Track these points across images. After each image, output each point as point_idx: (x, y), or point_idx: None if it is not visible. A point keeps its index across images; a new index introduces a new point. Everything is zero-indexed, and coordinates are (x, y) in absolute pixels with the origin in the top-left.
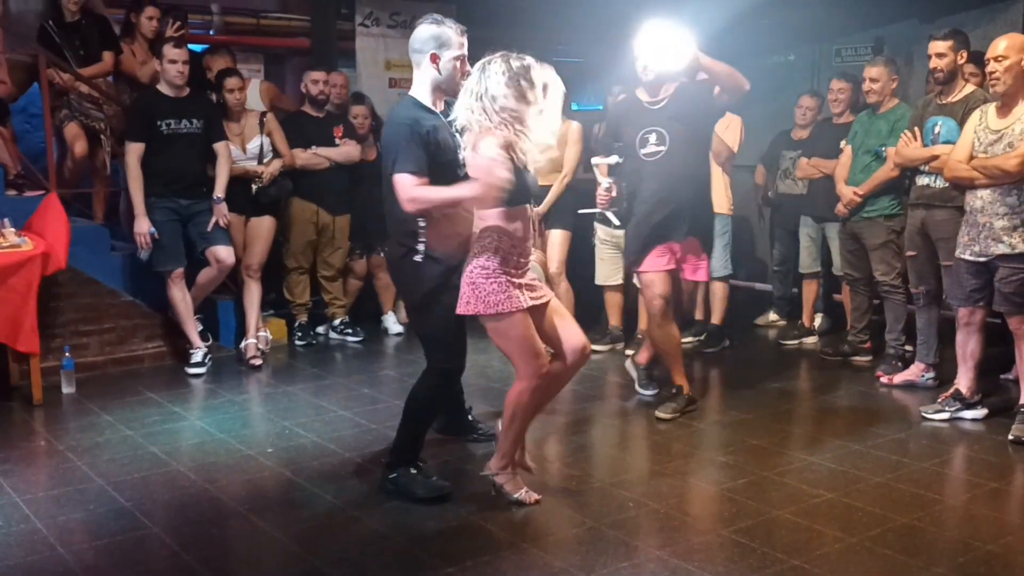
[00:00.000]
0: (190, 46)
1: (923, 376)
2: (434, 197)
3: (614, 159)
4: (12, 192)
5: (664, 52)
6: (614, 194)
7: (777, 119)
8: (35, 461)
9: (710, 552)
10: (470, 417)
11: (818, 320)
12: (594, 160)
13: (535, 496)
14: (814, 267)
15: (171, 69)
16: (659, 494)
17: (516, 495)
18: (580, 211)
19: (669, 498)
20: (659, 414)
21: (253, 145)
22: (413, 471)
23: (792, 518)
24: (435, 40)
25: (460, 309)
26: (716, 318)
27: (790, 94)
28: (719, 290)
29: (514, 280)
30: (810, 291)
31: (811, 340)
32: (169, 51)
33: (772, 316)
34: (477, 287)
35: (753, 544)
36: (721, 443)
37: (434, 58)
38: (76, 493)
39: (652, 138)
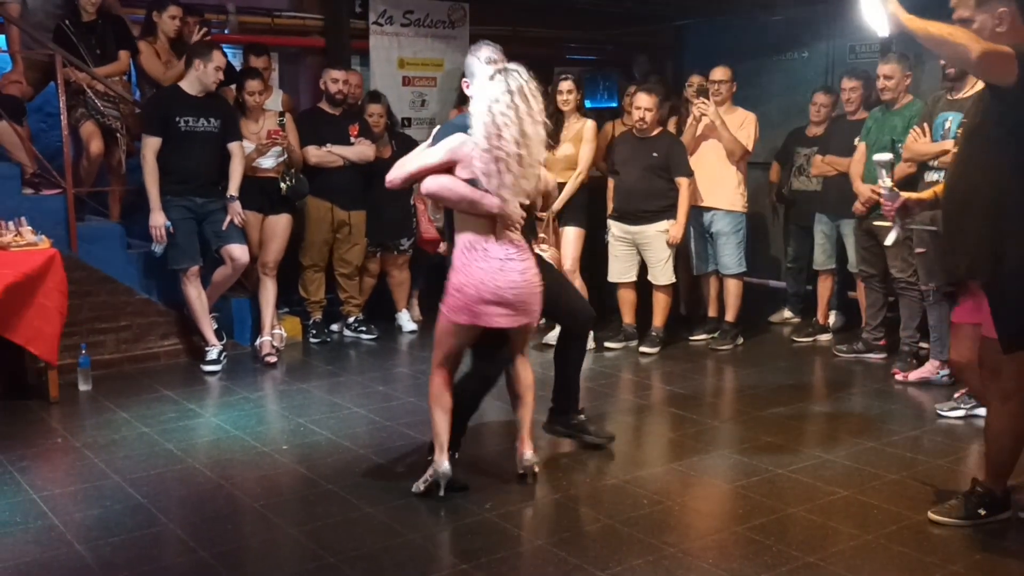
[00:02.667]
0: None
1: (938, 373)
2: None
3: (891, 156)
4: (29, 191)
5: (870, 11)
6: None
7: (791, 116)
8: (52, 458)
9: (724, 549)
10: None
11: (832, 317)
12: (876, 157)
13: None
14: (828, 264)
15: (215, 74)
16: (673, 491)
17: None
18: (875, 224)
19: (683, 495)
20: None
21: (275, 149)
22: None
23: (807, 515)
24: (466, 69)
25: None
26: (730, 315)
27: (804, 91)
28: (733, 287)
29: None
30: (825, 288)
31: (825, 337)
32: (219, 57)
33: (786, 313)
34: None
35: (768, 541)
36: (735, 440)
37: (466, 85)
38: (93, 490)
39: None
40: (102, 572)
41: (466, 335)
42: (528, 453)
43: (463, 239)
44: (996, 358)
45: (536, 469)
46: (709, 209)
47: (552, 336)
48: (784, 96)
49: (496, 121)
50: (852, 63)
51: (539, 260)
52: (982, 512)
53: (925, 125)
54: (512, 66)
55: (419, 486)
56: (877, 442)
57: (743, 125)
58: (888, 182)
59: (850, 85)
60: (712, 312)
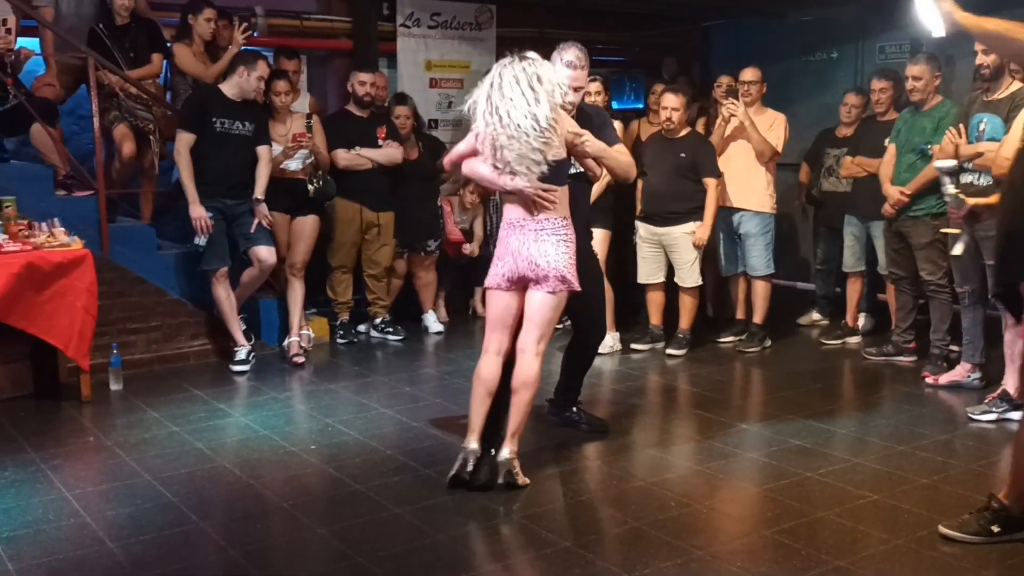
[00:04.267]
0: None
1: (969, 376)
2: None
3: (954, 162)
4: (62, 192)
5: (925, 11)
6: (964, 211)
7: (821, 117)
8: (84, 457)
9: (753, 553)
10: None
11: (862, 320)
12: (939, 164)
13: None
14: (858, 266)
15: (257, 83)
16: (701, 494)
17: (521, 479)
18: (942, 230)
19: (711, 498)
20: None
21: (301, 152)
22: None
23: (836, 519)
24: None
25: (563, 288)
26: (758, 317)
27: (833, 92)
28: (761, 289)
29: None
30: (854, 290)
31: (854, 340)
32: (263, 68)
33: (815, 315)
34: (567, 274)
35: (797, 545)
36: (763, 443)
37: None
38: (124, 488)
39: None
40: (133, 570)
41: (503, 306)
42: (505, 451)
43: (504, 217)
44: None
45: (512, 469)
46: (738, 210)
47: None
48: (813, 97)
49: (477, 107)
50: (882, 63)
51: (590, 255)
52: (995, 529)
53: (961, 126)
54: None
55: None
56: (907, 446)
57: (773, 126)
58: (952, 189)
59: (880, 86)
60: (739, 314)
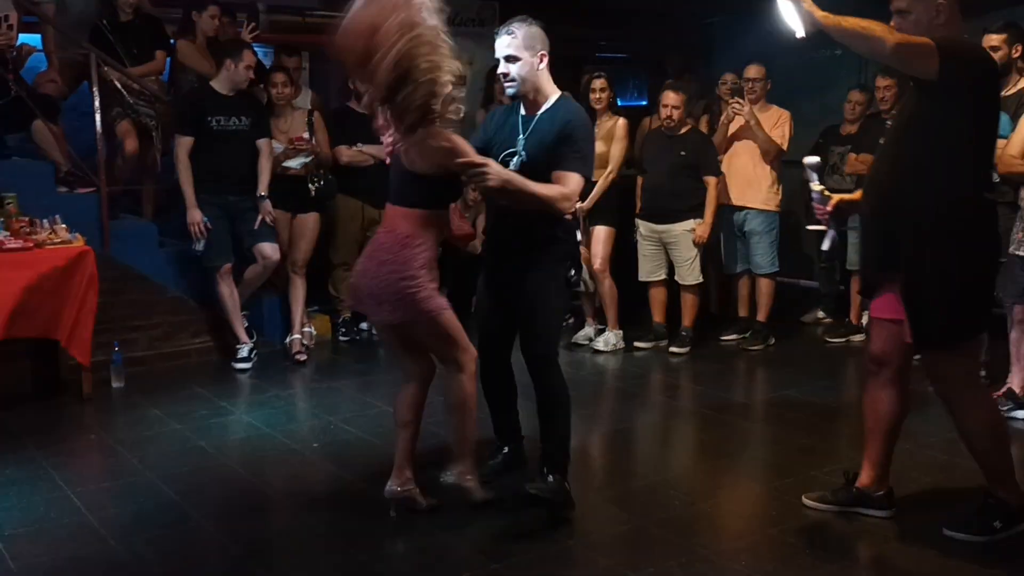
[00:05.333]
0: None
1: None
2: None
3: (818, 159)
4: (63, 189)
5: (787, 11)
6: (830, 207)
7: (824, 114)
8: (86, 455)
9: (758, 552)
10: None
11: (866, 317)
12: (805, 160)
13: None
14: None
15: (244, 73)
16: (705, 492)
17: (478, 496)
18: (808, 228)
19: (715, 497)
20: None
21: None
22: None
23: (842, 518)
24: (537, 41)
25: (382, 318)
26: (762, 315)
27: (837, 89)
28: (765, 287)
29: (435, 282)
30: (857, 288)
31: (859, 337)
32: (249, 56)
33: (819, 313)
34: (405, 300)
35: (802, 544)
36: (768, 441)
37: (542, 57)
38: (126, 486)
39: None
40: (136, 568)
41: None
42: (449, 471)
43: None
44: (934, 362)
45: (464, 484)
46: (742, 208)
47: (582, 335)
48: (817, 94)
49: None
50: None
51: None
52: (997, 525)
53: None
54: None
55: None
56: (912, 444)
57: (778, 124)
58: (818, 185)
59: (884, 83)
60: (743, 312)
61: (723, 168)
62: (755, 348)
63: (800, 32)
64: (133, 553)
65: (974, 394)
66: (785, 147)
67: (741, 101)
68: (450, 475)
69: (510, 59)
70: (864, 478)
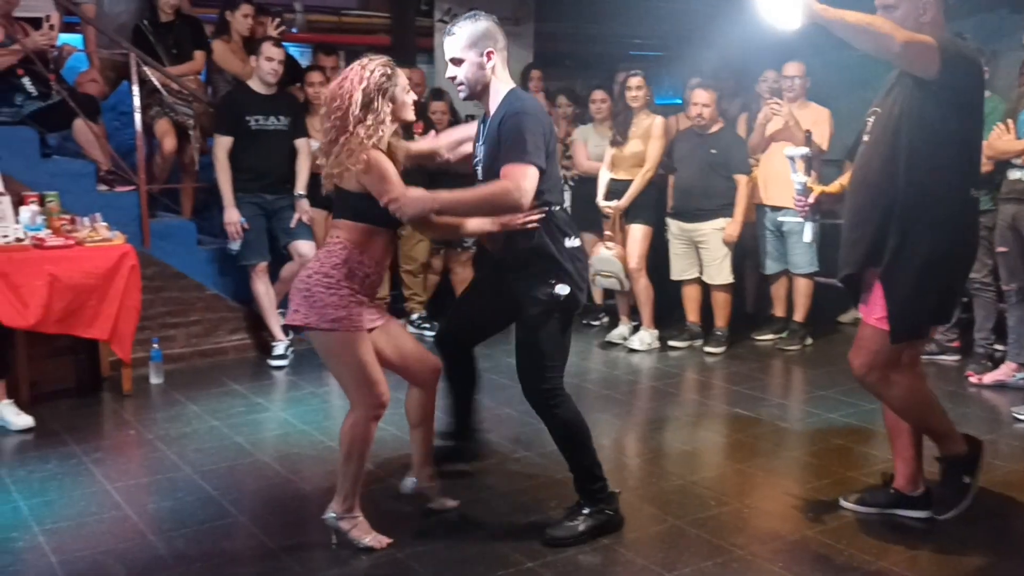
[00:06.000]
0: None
1: (1015, 376)
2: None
3: (805, 150)
4: (103, 188)
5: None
6: (812, 199)
7: (862, 112)
8: (126, 450)
9: (795, 553)
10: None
11: None
12: (788, 151)
13: (385, 540)
14: None
15: (266, 66)
16: (741, 493)
17: (364, 541)
18: (780, 219)
19: (751, 497)
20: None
21: None
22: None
23: (880, 520)
24: (487, 39)
25: (290, 319)
26: (799, 315)
27: (875, 86)
28: (803, 287)
29: (357, 297)
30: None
31: None
32: (268, 48)
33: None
34: (313, 297)
35: (839, 545)
36: (804, 442)
37: (489, 55)
38: (165, 482)
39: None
40: (175, 563)
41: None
42: (408, 478)
43: None
44: (890, 349)
45: (429, 495)
46: (780, 209)
47: (617, 333)
48: (855, 92)
49: None
50: None
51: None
52: (966, 480)
53: (1010, 121)
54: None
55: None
56: None
57: (817, 122)
58: (802, 177)
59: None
60: (779, 311)
61: (760, 168)
62: (791, 348)
63: (794, 24)
64: (172, 548)
65: (899, 373)
66: (825, 147)
67: (779, 101)
68: (409, 482)
69: (454, 61)
70: (899, 480)
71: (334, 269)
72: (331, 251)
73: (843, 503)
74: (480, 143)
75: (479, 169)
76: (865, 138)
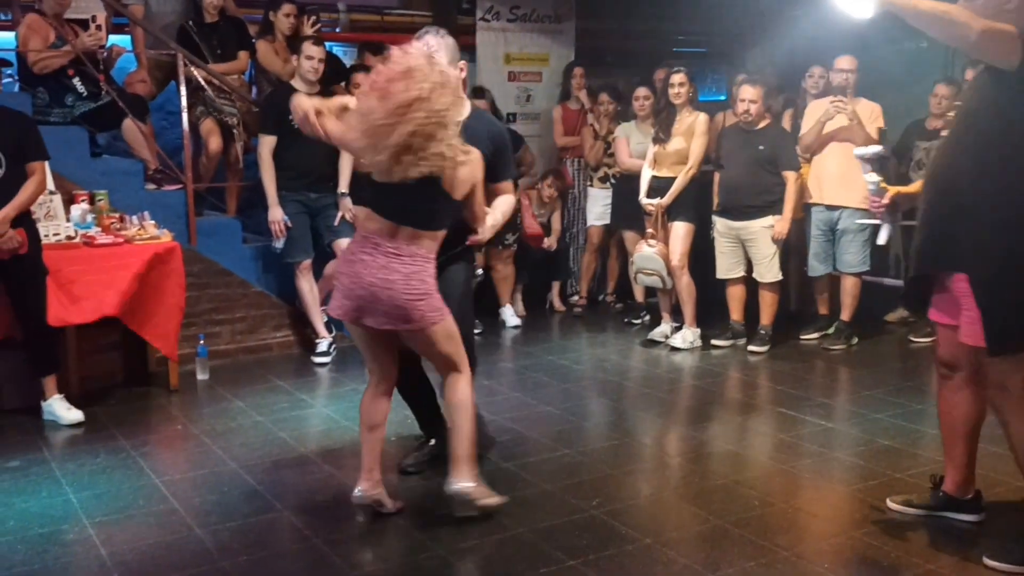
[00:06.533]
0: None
1: None
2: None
3: (877, 148)
4: (151, 186)
5: None
6: (886, 199)
7: (910, 108)
8: (173, 444)
9: (840, 554)
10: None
11: None
12: (858, 151)
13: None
14: None
15: (306, 64)
16: (786, 493)
17: (489, 502)
18: (858, 221)
19: (796, 497)
20: None
21: None
22: None
23: (927, 522)
24: (454, 53)
25: (430, 318)
26: (846, 314)
27: (923, 82)
28: (851, 286)
29: None
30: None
31: None
32: (308, 47)
33: (902, 312)
34: (433, 295)
35: (886, 547)
36: (850, 442)
37: (463, 67)
38: (211, 476)
39: None
40: (220, 555)
41: (356, 335)
42: (456, 483)
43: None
44: (998, 367)
45: (470, 499)
46: (836, 208)
47: (659, 332)
48: (902, 88)
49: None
50: None
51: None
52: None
53: None
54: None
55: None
56: (1001, 447)
57: (873, 117)
58: (875, 176)
59: (973, 76)
60: (823, 310)
61: (814, 166)
62: (837, 348)
63: (866, 13)
64: (217, 540)
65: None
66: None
67: (844, 99)
68: (458, 485)
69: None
70: (949, 483)
71: (428, 263)
72: (415, 261)
73: (890, 504)
74: None
75: None
76: (943, 132)
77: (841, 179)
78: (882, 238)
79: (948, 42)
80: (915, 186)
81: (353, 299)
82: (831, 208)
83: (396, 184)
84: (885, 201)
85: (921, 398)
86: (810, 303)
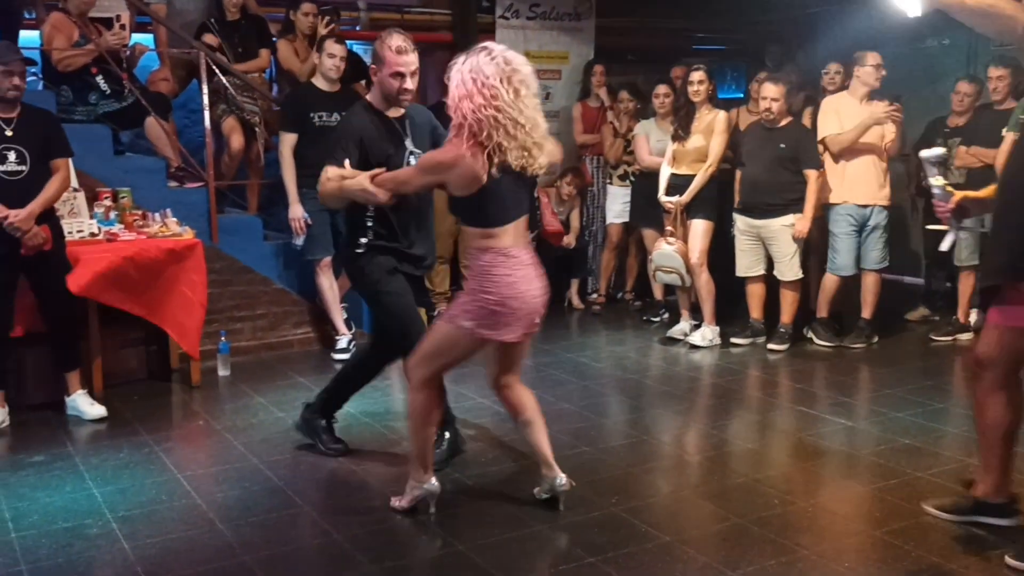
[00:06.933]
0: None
1: None
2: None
3: (941, 151)
4: (174, 184)
5: None
6: (952, 204)
7: (930, 106)
8: (195, 440)
9: (861, 553)
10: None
11: (974, 316)
12: (924, 153)
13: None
14: (972, 259)
15: (328, 62)
16: (806, 491)
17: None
18: (927, 227)
19: (816, 496)
20: None
21: None
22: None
23: (948, 521)
24: (373, 56)
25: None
26: (867, 312)
27: (945, 80)
28: (874, 283)
29: None
30: (967, 285)
31: (966, 336)
32: (330, 46)
33: (923, 311)
34: None
35: (907, 547)
36: (871, 441)
37: (374, 71)
38: (233, 471)
39: None
40: (242, 550)
41: (467, 349)
42: (560, 476)
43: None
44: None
45: (570, 487)
46: (867, 206)
47: (678, 329)
48: (923, 86)
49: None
50: (997, 50)
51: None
52: None
53: None
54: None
55: (402, 504)
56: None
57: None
58: (940, 180)
59: (997, 73)
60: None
61: (840, 166)
62: (857, 346)
63: (916, 11)
64: (239, 535)
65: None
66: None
67: (901, 108)
68: (565, 481)
69: (416, 74)
70: (982, 487)
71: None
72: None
73: (926, 508)
74: (411, 149)
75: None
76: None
77: (870, 177)
78: (946, 244)
79: (994, 36)
80: (984, 191)
81: (525, 321)
82: (863, 208)
83: (507, 188)
84: (951, 206)
85: (942, 397)
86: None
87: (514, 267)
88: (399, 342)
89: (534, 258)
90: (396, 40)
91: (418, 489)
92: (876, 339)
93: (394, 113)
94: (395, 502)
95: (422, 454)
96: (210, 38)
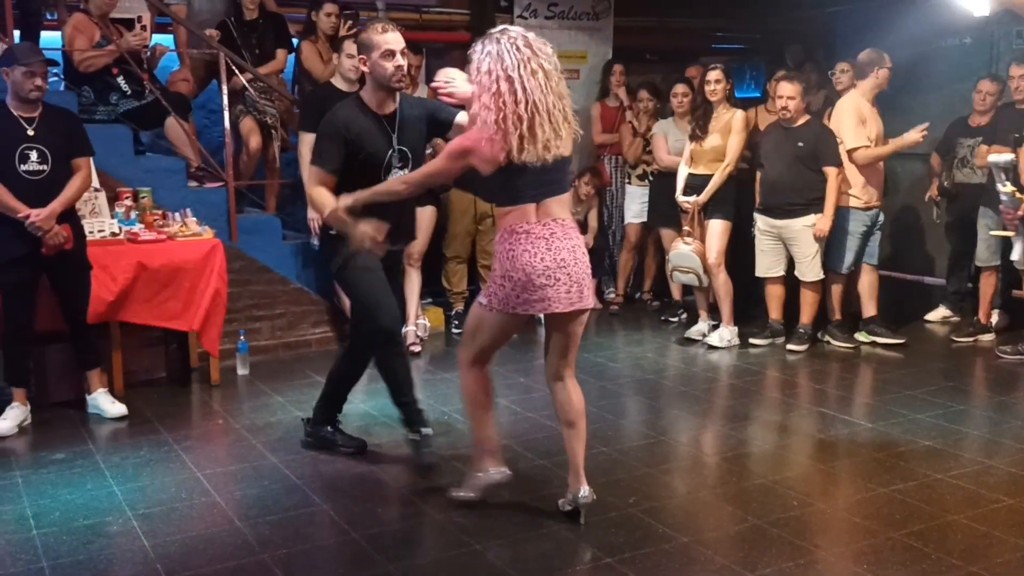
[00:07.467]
0: None
1: None
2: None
3: (1010, 156)
4: (193, 184)
5: None
6: (1022, 211)
7: (952, 105)
8: (214, 439)
9: (880, 555)
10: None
11: (995, 317)
12: (992, 158)
13: None
14: (993, 260)
15: (347, 63)
16: (825, 493)
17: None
18: (993, 233)
19: (835, 498)
20: None
21: None
22: (331, 429)
23: (969, 523)
24: (361, 48)
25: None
26: (872, 309)
27: (966, 79)
28: (876, 279)
29: None
30: (988, 285)
31: (988, 337)
32: (349, 46)
33: (944, 312)
34: None
35: (927, 549)
36: (890, 443)
37: (363, 62)
38: (251, 470)
39: None
40: (260, 548)
41: (516, 327)
42: (584, 489)
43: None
44: None
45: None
46: (876, 208)
47: (696, 330)
48: (945, 85)
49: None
50: (1019, 49)
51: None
52: None
53: None
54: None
55: (462, 494)
56: None
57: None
58: (1008, 187)
59: (1020, 72)
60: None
61: (860, 171)
62: (887, 340)
63: (983, 11)
64: (258, 534)
65: None
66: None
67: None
68: (588, 493)
69: (404, 52)
70: None
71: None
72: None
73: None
74: (396, 147)
75: (409, 164)
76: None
77: (880, 180)
78: (1016, 253)
79: None
80: None
81: (560, 292)
82: (879, 209)
83: (530, 169)
84: (1021, 213)
85: (963, 399)
86: (848, 303)
87: (535, 242)
88: (370, 319)
89: (569, 232)
90: (378, 24)
91: (479, 478)
92: (896, 341)
93: (386, 110)
94: (454, 493)
95: (479, 440)
96: (215, 35)
